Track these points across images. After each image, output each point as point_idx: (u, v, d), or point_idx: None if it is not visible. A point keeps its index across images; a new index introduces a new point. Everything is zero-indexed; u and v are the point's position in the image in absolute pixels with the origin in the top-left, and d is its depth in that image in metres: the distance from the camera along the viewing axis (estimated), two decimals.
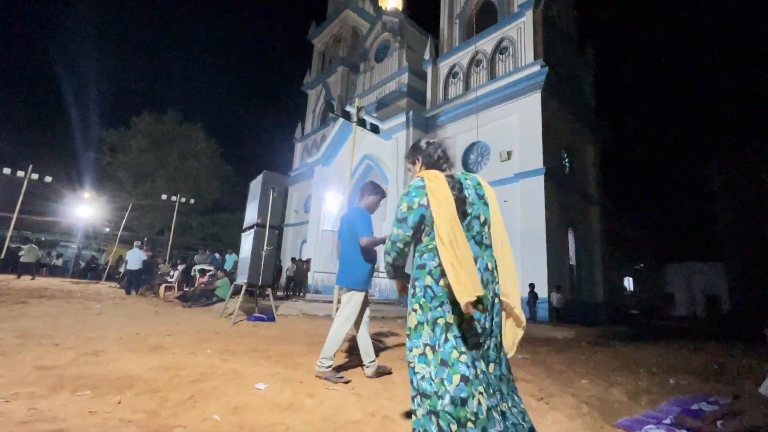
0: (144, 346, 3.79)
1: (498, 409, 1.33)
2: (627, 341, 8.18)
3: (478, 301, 1.33)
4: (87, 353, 3.25)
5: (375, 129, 10.53)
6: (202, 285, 9.70)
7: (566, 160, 15.84)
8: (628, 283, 26.12)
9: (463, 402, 1.26)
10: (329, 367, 3.05)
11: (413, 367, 1.41)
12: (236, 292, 7.18)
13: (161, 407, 2.16)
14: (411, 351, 1.45)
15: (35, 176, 18.96)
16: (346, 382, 2.97)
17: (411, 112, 16.77)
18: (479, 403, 1.27)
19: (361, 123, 9.93)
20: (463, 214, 1.43)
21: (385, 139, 17.04)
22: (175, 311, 7.45)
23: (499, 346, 1.44)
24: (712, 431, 2.36)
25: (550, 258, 12.77)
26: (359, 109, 9.69)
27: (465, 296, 1.28)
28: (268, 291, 6.97)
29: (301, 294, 13.59)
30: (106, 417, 1.97)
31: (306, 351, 4.24)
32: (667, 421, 2.59)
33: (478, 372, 1.32)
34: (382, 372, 3.28)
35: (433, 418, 1.28)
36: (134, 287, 11.31)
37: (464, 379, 1.28)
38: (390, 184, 16.24)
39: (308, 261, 15.23)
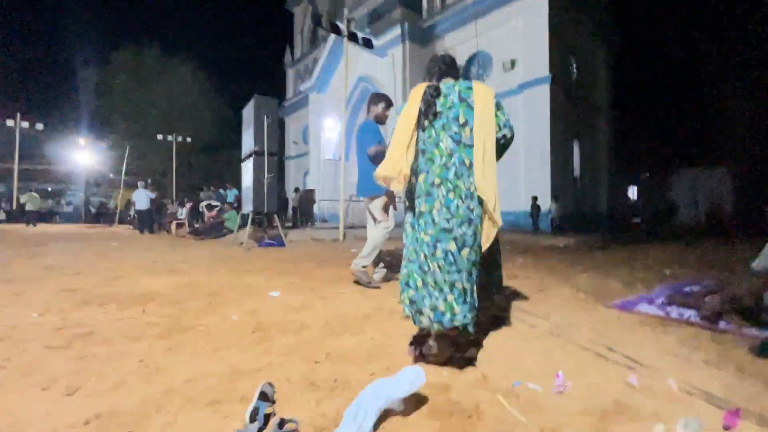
0: (162, 270, 3.98)
1: (455, 285, 1.56)
2: (626, 245, 8.43)
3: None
4: (109, 278, 3.44)
5: (368, 44, 9.81)
6: (211, 219, 9.93)
7: (574, 67, 14.88)
8: (633, 192, 26.21)
9: (405, 265, 1.67)
10: (364, 267, 3.23)
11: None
12: (245, 222, 7.34)
13: (182, 313, 2.32)
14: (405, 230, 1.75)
15: (25, 124, 18.51)
16: (376, 287, 3.14)
17: (406, 24, 15.46)
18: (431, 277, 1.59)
19: (353, 38, 9.22)
20: (434, 116, 1.66)
21: (380, 57, 15.98)
22: (188, 244, 7.72)
23: (477, 235, 1.60)
24: (700, 305, 2.51)
25: (554, 170, 12.66)
26: (349, 22, 8.93)
27: (380, 170, 1.65)
28: (275, 218, 7.11)
29: (308, 223, 13.91)
30: (132, 322, 2.12)
31: (317, 266, 4.44)
32: (659, 301, 2.74)
33: (438, 252, 1.58)
34: (389, 278, 3.45)
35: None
36: (146, 226, 11.62)
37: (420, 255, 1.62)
38: None
39: (312, 191, 15.31)
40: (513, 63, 13.45)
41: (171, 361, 1.60)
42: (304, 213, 14.24)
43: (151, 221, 11.93)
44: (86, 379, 1.42)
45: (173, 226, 11.64)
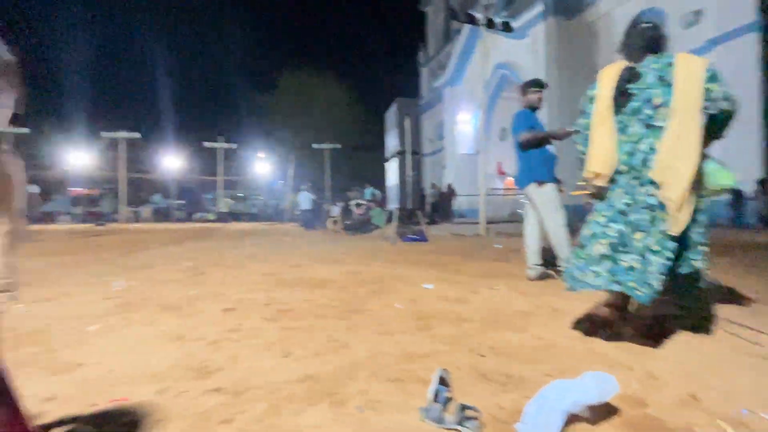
0: (328, 260, 4.59)
1: (620, 261, 1.60)
2: None
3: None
4: (291, 266, 4.15)
5: (507, 27, 9.26)
6: (360, 216, 10.96)
7: None
8: None
9: (583, 246, 1.74)
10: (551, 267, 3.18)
11: None
12: (390, 218, 7.86)
13: (352, 298, 2.63)
14: None
15: (226, 145, 23.83)
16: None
17: None
18: (597, 249, 1.66)
19: (490, 25, 8.85)
20: (626, 99, 1.58)
21: (520, 39, 14.90)
22: (342, 239, 8.70)
23: (656, 221, 1.54)
24: None
25: (764, 142, 9.69)
26: (486, 8, 8.60)
27: (592, 167, 1.67)
28: (419, 213, 7.39)
29: (446, 219, 14.02)
30: (316, 303, 2.51)
31: (462, 261, 4.44)
32: None
33: (611, 230, 1.63)
34: (545, 276, 3.21)
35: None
36: (310, 224, 13.56)
37: (592, 233, 1.71)
38: None
39: (449, 186, 15.36)
40: (697, 15, 10.79)
41: (352, 338, 1.83)
42: (441, 210, 14.41)
43: (312, 219, 13.88)
44: (293, 346, 1.74)
45: (329, 223, 13.28)
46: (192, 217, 23.01)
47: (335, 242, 7.53)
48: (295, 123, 28.76)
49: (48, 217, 18.72)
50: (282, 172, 27.81)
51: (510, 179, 17.59)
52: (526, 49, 14.77)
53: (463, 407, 1.15)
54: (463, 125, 17.69)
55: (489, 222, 9.85)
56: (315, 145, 23.58)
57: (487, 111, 16.70)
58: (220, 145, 24.08)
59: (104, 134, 20.96)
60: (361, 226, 10.14)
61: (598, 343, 1.74)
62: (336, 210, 14.62)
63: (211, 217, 23.43)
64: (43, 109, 24.51)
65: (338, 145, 23.84)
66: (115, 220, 19.24)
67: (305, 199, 13.36)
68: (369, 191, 14.74)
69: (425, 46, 26.55)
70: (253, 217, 26.08)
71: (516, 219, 11.39)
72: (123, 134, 20.72)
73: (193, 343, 1.78)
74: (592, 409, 1.15)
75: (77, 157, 21.80)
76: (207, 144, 24.16)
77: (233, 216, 20.84)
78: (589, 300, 2.48)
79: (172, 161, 25.22)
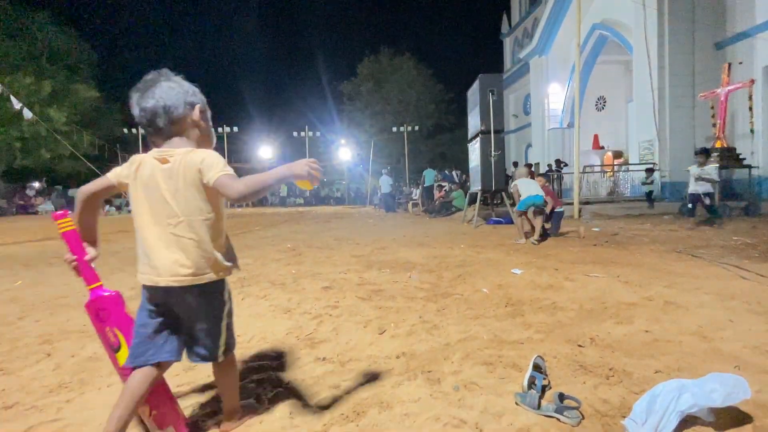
0: (412, 243, 4.69)
1: None
2: None
3: None
4: (377, 248, 4.33)
5: None
6: (441, 198, 10.87)
7: None
8: None
9: None
10: None
11: None
12: (472, 201, 7.67)
13: (439, 281, 2.68)
14: None
15: (310, 133, 25.29)
16: None
17: None
18: None
19: None
20: None
21: None
22: (423, 221, 8.76)
23: None
24: None
25: None
26: None
27: None
28: (503, 195, 7.10)
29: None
30: (404, 284, 2.61)
31: (552, 245, 4.19)
32: None
33: None
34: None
35: None
36: (390, 207, 13.88)
37: None
38: (635, 52, 12.62)
39: (536, 165, 14.36)
40: None
41: (442, 320, 1.89)
42: None
43: (393, 202, 14.17)
44: (387, 324, 1.86)
45: (410, 205, 13.42)
46: (285, 201, 25.13)
47: (417, 225, 7.63)
48: (375, 107, 29.22)
49: None
50: (363, 156, 28.66)
51: (609, 154, 15.78)
52: (629, 3, 12.84)
53: (562, 396, 1.13)
54: (554, 97, 16.22)
55: (585, 202, 9.03)
56: (394, 129, 23.78)
57: (582, 78, 15.06)
58: (307, 134, 25.69)
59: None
60: (442, 209, 10.07)
61: (725, 342, 1.54)
62: (416, 192, 14.70)
63: (300, 201, 25.31)
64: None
65: (416, 127, 23.70)
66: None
67: (385, 183, 13.66)
68: (431, 174, 14.53)
69: (508, 15, 24.66)
70: (338, 201, 27.48)
71: (616, 199, 10.26)
72: (224, 129, 23.36)
73: (300, 316, 2.00)
74: (716, 413, 1.05)
75: None
76: (295, 134, 25.99)
77: (320, 200, 22.28)
78: (708, 294, 2.18)
79: (265, 151, 27.64)
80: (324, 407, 1.15)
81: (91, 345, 1.66)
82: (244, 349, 1.61)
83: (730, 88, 8.50)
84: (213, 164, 0.91)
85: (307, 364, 1.46)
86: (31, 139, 18.72)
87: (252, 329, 1.83)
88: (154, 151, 0.96)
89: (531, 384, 1.21)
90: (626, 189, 12.24)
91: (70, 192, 21.39)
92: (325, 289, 2.52)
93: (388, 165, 21.73)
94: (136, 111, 0.97)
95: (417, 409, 1.13)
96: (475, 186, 7.07)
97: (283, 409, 1.15)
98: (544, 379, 1.26)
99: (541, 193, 4.53)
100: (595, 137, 16.20)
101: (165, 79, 0.98)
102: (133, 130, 22.90)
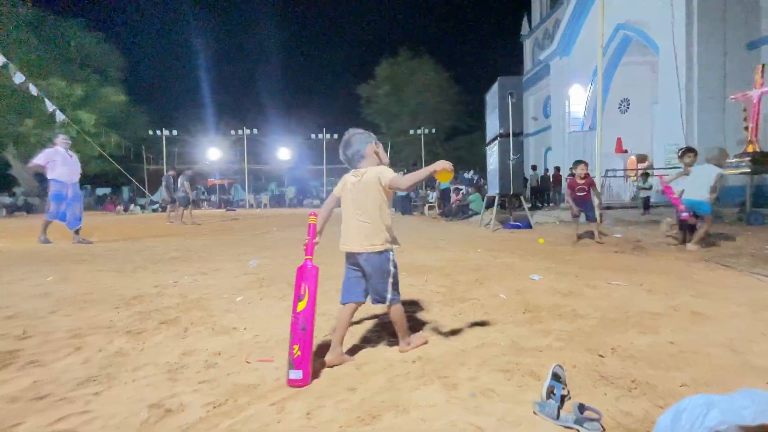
0: (428, 246, 4.67)
1: None
2: None
3: None
4: None
5: None
6: (457, 201, 10.80)
7: None
8: None
9: None
10: None
11: None
12: (490, 204, 7.59)
13: (455, 285, 2.66)
14: None
15: (328, 136, 25.57)
16: None
17: None
18: None
19: None
20: None
21: None
22: (440, 224, 8.72)
23: None
24: None
25: None
26: None
27: None
28: (521, 199, 7.00)
29: (550, 204, 12.93)
30: (421, 289, 2.61)
31: (573, 251, 4.11)
32: None
33: None
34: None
35: None
36: (407, 209, 13.86)
37: None
38: (661, 53, 12.25)
39: (557, 168, 14.09)
40: None
41: (459, 325, 1.87)
42: (543, 194, 13.34)
43: (409, 205, 14.15)
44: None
45: (426, 208, 13.37)
46: (302, 202, 25.41)
47: (433, 228, 7.60)
48: (392, 110, 29.26)
49: (195, 204, 22.64)
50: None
51: (632, 158, 15.36)
52: (657, 3, 12.49)
53: (582, 407, 1.11)
54: (575, 99, 15.89)
55: (606, 207, 8.80)
56: (411, 131, 23.80)
57: (605, 80, 14.71)
58: (324, 136, 25.99)
59: (233, 132, 24.33)
60: (459, 212, 10.00)
61: (757, 356, 1.48)
62: (433, 195, 14.63)
63: (317, 202, 25.57)
64: (188, 114, 29.23)
65: (433, 130, 23.65)
66: (241, 205, 22.32)
67: None
68: (465, 176, 14.39)
69: (528, 16, 24.34)
70: None
71: (638, 205, 9.97)
72: (246, 131, 23.84)
73: (317, 317, 2.02)
74: (747, 431, 1.01)
75: (213, 153, 25.74)
76: (313, 136, 26.33)
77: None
78: (739, 305, 2.10)
79: (284, 153, 28.05)
80: (340, 409, 1.16)
81: (117, 340, 1.72)
82: (262, 349, 1.64)
83: (764, 90, 8.14)
84: (385, 172, 1.54)
85: (325, 367, 1.47)
86: None
87: (269, 330, 1.86)
88: (352, 172, 1.61)
89: (550, 393, 1.19)
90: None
91: (99, 191, 22.23)
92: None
93: (405, 168, 21.74)
94: (342, 156, 1.65)
95: (433, 414, 1.13)
96: (493, 189, 6.99)
97: (300, 410, 1.16)
98: (564, 388, 1.23)
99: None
100: (618, 141, 15.79)
101: (354, 134, 1.64)
102: (158, 132, 23.60)
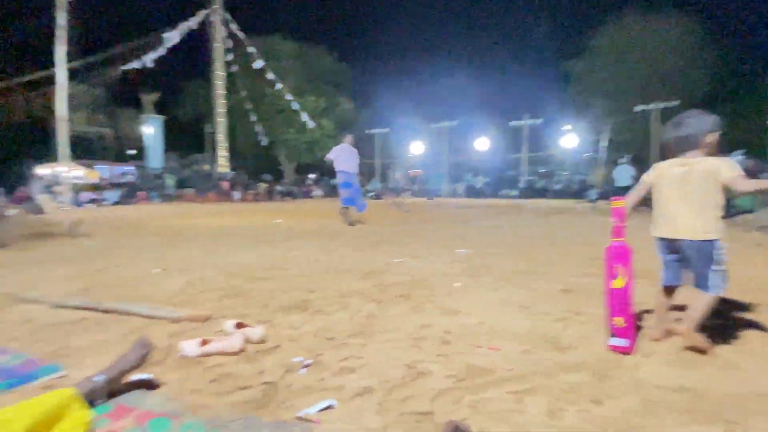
0: None
1: None
2: None
3: None
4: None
5: None
6: None
7: None
8: None
9: None
10: None
11: None
12: None
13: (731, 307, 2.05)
14: None
15: (531, 122, 23.96)
16: None
17: None
18: None
19: None
20: None
21: None
22: None
23: None
24: None
25: None
26: None
27: None
28: None
29: None
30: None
31: None
32: None
33: None
34: None
35: None
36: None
37: None
38: None
39: None
40: None
41: (741, 357, 1.45)
42: None
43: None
44: (653, 345, 1.58)
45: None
46: (498, 193, 24.82)
47: None
48: (610, 85, 24.68)
49: (402, 193, 25.57)
50: (592, 144, 24.97)
51: None
52: None
53: None
54: None
55: None
56: (638, 107, 19.55)
57: None
58: (525, 122, 24.43)
59: (432, 125, 26.01)
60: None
61: None
62: None
63: (513, 193, 24.46)
64: (393, 113, 32.88)
65: (675, 102, 18.66)
66: (439, 195, 23.69)
67: (623, 174, 11.39)
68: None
69: None
70: (557, 194, 25.09)
71: None
72: (447, 123, 25.04)
73: (539, 316, 1.95)
74: None
75: (416, 146, 28.22)
76: (512, 123, 25.16)
77: (537, 192, 20.89)
78: None
79: (482, 143, 27.94)
80: (583, 419, 1.09)
81: (368, 305, 2.13)
82: (487, 336, 1.70)
83: None
84: (726, 168, 1.47)
85: (558, 372, 1.40)
86: (311, 142, 25.39)
87: (490, 319, 1.91)
88: (676, 160, 1.58)
89: None
90: None
91: (332, 181, 27.78)
92: (564, 292, 2.36)
93: (628, 153, 18.12)
94: (669, 136, 1.61)
95: None
96: None
97: (541, 406, 1.15)
98: None
99: None
100: None
101: (697, 116, 1.57)
102: (372, 131, 27.56)
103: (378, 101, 28.31)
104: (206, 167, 22.61)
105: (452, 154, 27.14)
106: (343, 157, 6.26)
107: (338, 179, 6.33)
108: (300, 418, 1.11)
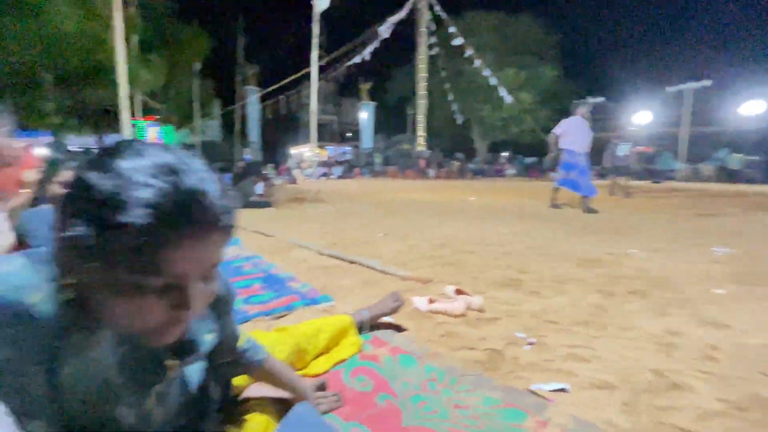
0: None
1: None
2: None
3: None
4: None
5: None
6: None
7: None
8: None
9: None
10: None
11: None
12: None
13: None
14: None
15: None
16: None
17: None
18: None
19: None
20: None
21: None
22: None
23: None
24: None
25: None
26: None
27: None
28: None
29: None
30: None
31: None
32: None
33: None
34: None
35: None
36: None
37: None
38: None
39: None
40: None
41: None
42: None
43: None
44: None
45: None
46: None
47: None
48: None
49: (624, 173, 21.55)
50: None
51: None
52: None
53: None
54: None
55: None
56: None
57: None
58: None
59: (669, 89, 20.52)
60: None
61: None
62: None
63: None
64: (614, 77, 27.45)
65: None
66: (671, 178, 18.77)
67: None
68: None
69: None
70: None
71: None
72: (691, 85, 19.31)
73: None
74: None
75: (642, 116, 22.98)
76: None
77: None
78: None
79: (748, 109, 20.35)
80: None
81: (592, 295, 1.92)
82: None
83: None
84: None
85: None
86: (507, 118, 24.19)
87: None
88: None
89: None
90: None
91: (527, 160, 25.96)
92: None
93: None
94: None
95: None
96: None
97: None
98: None
99: None
100: None
101: None
102: (588, 99, 23.95)
103: (591, 66, 24.27)
104: (407, 146, 24.85)
105: (695, 125, 20.85)
106: (571, 132, 5.43)
107: (562, 158, 5.53)
108: (532, 392, 1.11)
